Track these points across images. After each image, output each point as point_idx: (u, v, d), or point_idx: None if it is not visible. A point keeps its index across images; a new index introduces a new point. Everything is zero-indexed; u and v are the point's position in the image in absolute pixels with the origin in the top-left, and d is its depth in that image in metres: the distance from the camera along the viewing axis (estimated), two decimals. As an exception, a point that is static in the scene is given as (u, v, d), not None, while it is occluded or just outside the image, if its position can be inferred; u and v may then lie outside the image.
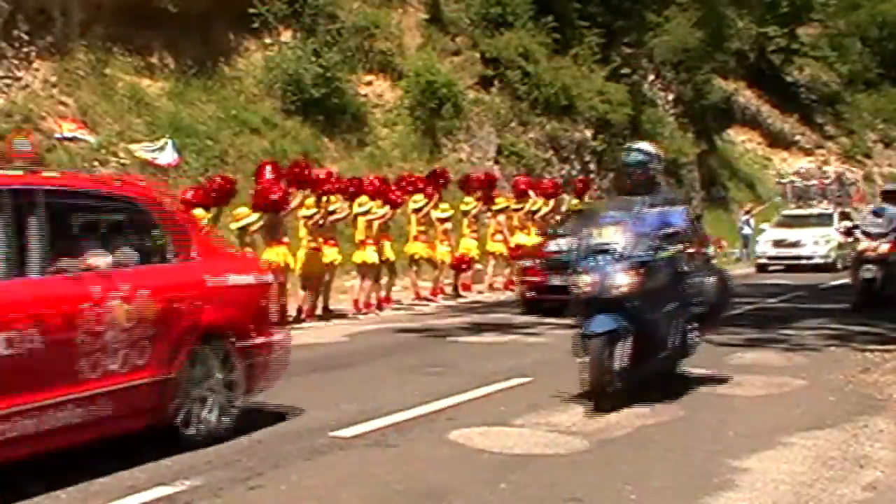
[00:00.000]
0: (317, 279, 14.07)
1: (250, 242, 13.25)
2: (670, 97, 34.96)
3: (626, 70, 30.83)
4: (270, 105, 21.21)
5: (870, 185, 41.77)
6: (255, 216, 13.05)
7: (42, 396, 5.19)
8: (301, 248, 13.77)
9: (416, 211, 16.58)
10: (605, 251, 7.57)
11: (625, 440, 6.54)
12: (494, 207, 18.62)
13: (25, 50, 17.19)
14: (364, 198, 15.04)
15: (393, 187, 15.78)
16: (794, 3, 41.19)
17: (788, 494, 5.24)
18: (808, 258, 24.77)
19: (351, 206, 14.82)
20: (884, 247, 14.32)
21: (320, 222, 14.04)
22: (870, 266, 14.33)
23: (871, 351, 10.29)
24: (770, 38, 42.32)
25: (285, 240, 13.59)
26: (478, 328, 12.77)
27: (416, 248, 16.69)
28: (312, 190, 14.02)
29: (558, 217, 21.16)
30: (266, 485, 5.39)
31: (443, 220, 17.31)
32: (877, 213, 14.88)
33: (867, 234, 14.74)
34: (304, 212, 13.83)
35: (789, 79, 44.55)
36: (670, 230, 7.92)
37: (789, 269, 24.54)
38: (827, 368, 9.34)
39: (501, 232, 18.86)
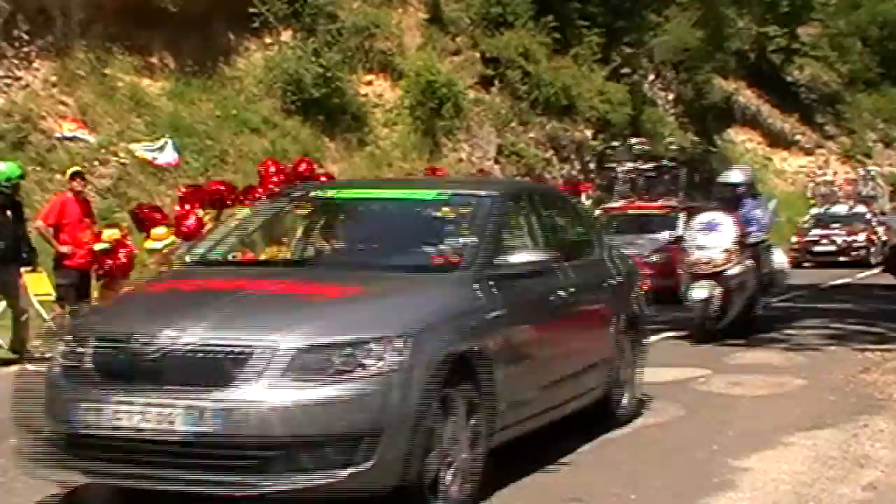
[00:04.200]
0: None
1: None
2: (670, 97, 34.95)
3: (626, 70, 30.81)
4: (270, 105, 21.19)
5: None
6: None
7: None
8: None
9: None
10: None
11: (625, 440, 6.55)
12: None
13: (25, 50, 17.17)
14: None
15: None
16: (794, 3, 41.10)
17: (788, 494, 5.25)
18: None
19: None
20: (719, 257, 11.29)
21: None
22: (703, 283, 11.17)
23: (871, 351, 10.29)
24: (770, 38, 42.25)
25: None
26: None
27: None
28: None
29: None
30: (266, 485, 5.37)
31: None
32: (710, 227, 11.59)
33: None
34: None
35: (789, 79, 44.49)
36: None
37: None
38: (827, 368, 9.35)
39: None
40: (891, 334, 11.63)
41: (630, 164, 22.51)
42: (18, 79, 16.92)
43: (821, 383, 8.59)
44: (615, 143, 25.14)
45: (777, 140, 42.03)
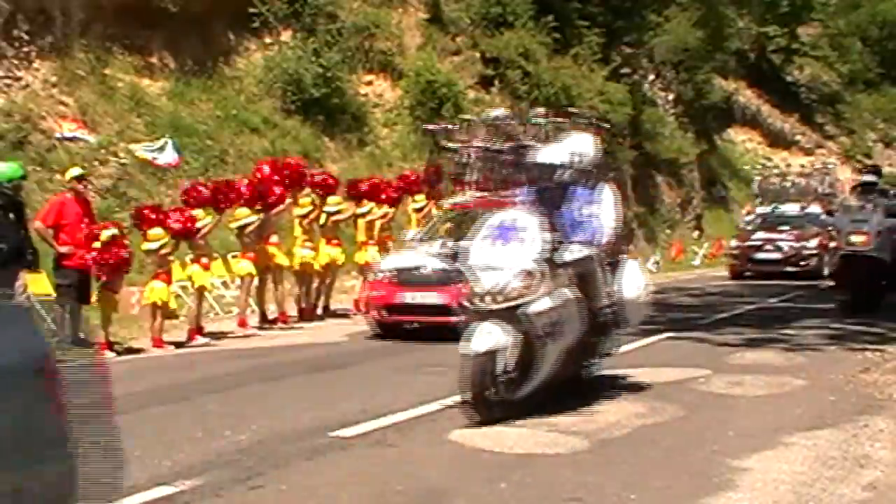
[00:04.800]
0: (311, 278, 14.05)
1: (248, 243, 13.26)
2: (670, 97, 34.96)
3: (626, 70, 30.84)
4: (270, 105, 21.20)
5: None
6: (255, 217, 13.05)
7: None
8: (296, 247, 13.75)
9: (418, 210, 16.56)
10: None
11: (625, 440, 6.54)
12: None
13: (25, 50, 17.17)
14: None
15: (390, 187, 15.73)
16: (794, 3, 41.19)
17: (788, 494, 5.24)
18: None
19: (357, 207, 14.82)
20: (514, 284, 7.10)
21: (321, 221, 14.05)
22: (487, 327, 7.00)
23: (871, 351, 10.29)
24: (770, 37, 42.34)
25: (274, 239, 13.52)
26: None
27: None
28: (310, 188, 14.02)
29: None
30: (266, 485, 5.39)
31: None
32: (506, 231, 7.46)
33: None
34: (297, 210, 13.82)
35: (789, 79, 44.56)
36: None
37: None
38: (827, 368, 9.34)
39: None
40: (891, 334, 11.62)
41: (480, 144, 16.09)
42: (18, 79, 16.91)
43: (821, 383, 8.59)
44: (468, 116, 17.21)
45: (777, 140, 42.09)
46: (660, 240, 30.94)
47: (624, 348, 10.69)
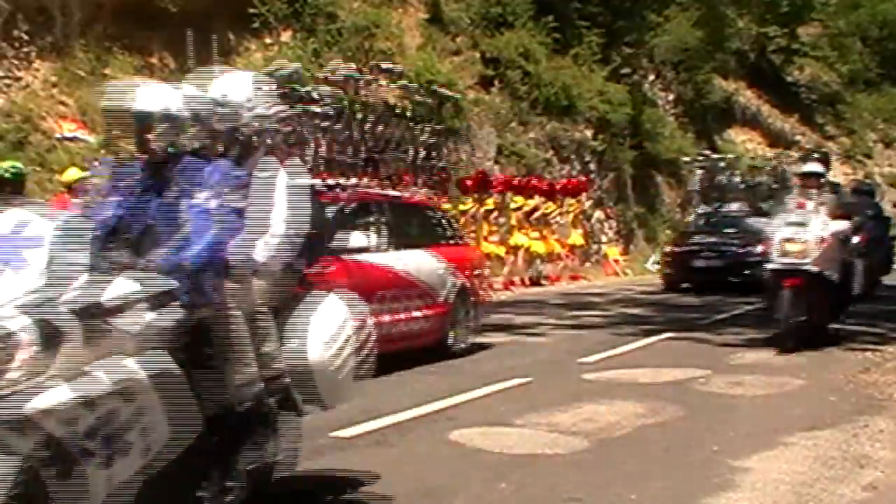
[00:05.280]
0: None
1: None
2: (670, 97, 34.96)
3: (626, 70, 30.85)
4: (270, 105, 21.19)
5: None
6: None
7: None
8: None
9: None
10: None
11: (625, 440, 6.54)
12: (484, 208, 18.64)
13: (25, 50, 17.18)
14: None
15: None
16: (794, 3, 41.16)
17: (788, 494, 5.24)
18: None
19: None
20: None
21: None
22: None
23: (871, 351, 10.29)
24: (770, 38, 42.30)
25: None
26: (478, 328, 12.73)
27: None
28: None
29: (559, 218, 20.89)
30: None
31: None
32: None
33: None
34: None
35: (789, 79, 44.53)
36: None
37: None
38: (827, 368, 9.35)
39: (496, 232, 18.98)
40: (891, 334, 11.62)
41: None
42: (18, 79, 16.92)
43: (821, 383, 8.59)
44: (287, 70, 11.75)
45: (777, 140, 42.03)
46: (660, 240, 30.95)
47: (623, 348, 10.75)
